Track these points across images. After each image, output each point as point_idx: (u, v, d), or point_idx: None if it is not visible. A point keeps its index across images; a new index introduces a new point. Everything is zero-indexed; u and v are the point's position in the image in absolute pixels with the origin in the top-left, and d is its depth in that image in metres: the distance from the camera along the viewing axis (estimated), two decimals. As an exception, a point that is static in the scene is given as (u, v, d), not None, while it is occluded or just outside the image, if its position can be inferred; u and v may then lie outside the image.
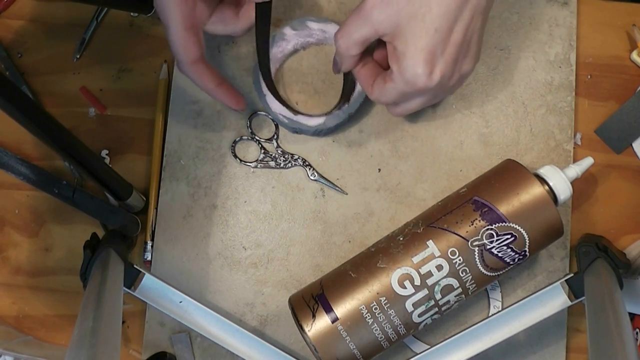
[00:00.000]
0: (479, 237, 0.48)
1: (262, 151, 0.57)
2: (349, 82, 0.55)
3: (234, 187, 0.57)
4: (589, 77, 0.59)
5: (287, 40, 0.56)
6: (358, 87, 0.55)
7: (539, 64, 0.58)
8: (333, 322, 0.48)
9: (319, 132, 0.56)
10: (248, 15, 0.52)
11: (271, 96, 0.55)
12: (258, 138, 0.57)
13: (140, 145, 0.59)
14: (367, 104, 0.56)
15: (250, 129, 0.58)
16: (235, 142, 0.57)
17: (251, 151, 0.58)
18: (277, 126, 0.58)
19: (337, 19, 0.59)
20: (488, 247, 0.48)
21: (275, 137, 0.57)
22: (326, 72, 0.58)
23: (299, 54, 0.58)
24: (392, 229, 0.53)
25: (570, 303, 0.49)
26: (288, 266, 0.56)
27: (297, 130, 0.56)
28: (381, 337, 0.48)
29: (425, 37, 0.43)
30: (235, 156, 0.57)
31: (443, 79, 0.45)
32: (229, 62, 0.58)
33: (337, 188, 0.57)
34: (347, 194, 0.57)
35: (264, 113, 0.58)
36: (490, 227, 0.48)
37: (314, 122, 0.55)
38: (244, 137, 0.57)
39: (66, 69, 0.60)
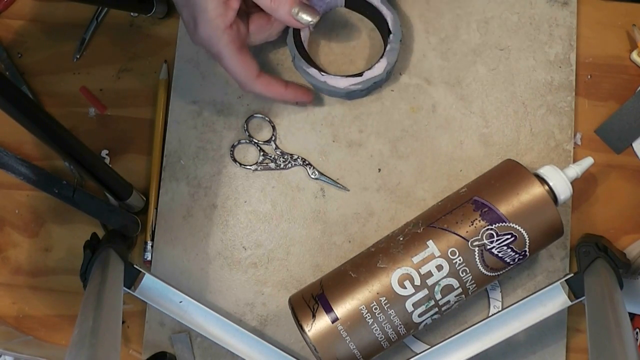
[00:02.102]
0: (479, 237, 0.48)
1: (261, 153, 0.57)
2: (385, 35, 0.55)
3: (234, 187, 0.57)
4: (589, 77, 0.59)
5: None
6: (377, 67, 0.54)
7: (539, 64, 0.58)
8: (333, 322, 0.48)
9: (351, 94, 0.56)
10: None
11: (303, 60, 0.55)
12: (256, 141, 0.57)
13: (140, 145, 0.59)
14: (403, 55, 0.57)
15: (248, 132, 0.58)
16: (233, 146, 0.57)
17: (250, 153, 0.58)
18: (274, 127, 0.57)
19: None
20: (488, 247, 0.48)
21: (274, 138, 0.57)
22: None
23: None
24: (392, 229, 0.53)
25: (570, 303, 0.49)
26: (288, 266, 0.56)
27: (330, 93, 0.56)
28: (381, 337, 0.48)
29: None
30: (235, 160, 0.57)
31: None
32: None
33: (338, 185, 0.57)
34: (349, 190, 0.57)
35: (260, 115, 0.57)
36: (490, 227, 0.48)
37: (343, 83, 0.54)
38: (242, 141, 0.57)
39: (66, 69, 0.60)
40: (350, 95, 0.56)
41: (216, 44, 0.49)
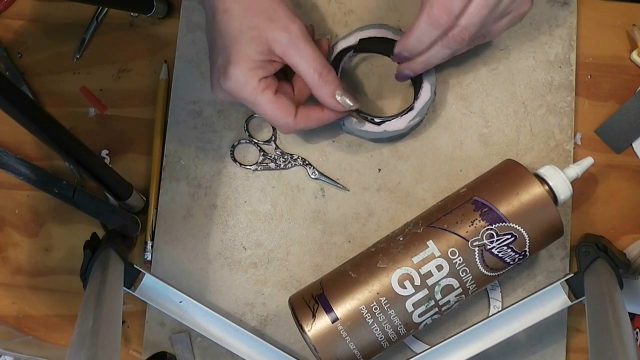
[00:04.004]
0: (479, 237, 0.48)
1: (262, 153, 0.57)
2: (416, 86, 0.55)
3: (234, 187, 0.57)
4: (589, 77, 0.59)
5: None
6: (423, 93, 0.54)
7: (539, 64, 0.58)
8: (333, 322, 0.48)
9: (411, 129, 0.55)
10: (302, 94, 0.52)
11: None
12: (256, 141, 0.57)
13: (140, 145, 0.59)
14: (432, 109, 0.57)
15: (248, 132, 0.58)
16: (234, 146, 0.57)
17: (251, 153, 0.58)
18: (274, 127, 0.57)
19: (337, 19, 0.59)
20: (488, 247, 0.48)
21: (274, 138, 0.57)
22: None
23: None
24: (392, 229, 0.53)
25: (570, 303, 0.49)
26: (288, 266, 0.56)
27: (390, 139, 0.56)
28: (381, 337, 0.48)
29: None
30: (235, 160, 0.57)
31: None
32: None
33: (338, 185, 0.57)
34: (348, 190, 0.57)
35: None
36: (490, 227, 0.48)
37: (402, 123, 0.54)
38: (242, 141, 0.57)
39: (66, 69, 0.60)
40: (411, 130, 0.56)
41: (250, 94, 0.47)
